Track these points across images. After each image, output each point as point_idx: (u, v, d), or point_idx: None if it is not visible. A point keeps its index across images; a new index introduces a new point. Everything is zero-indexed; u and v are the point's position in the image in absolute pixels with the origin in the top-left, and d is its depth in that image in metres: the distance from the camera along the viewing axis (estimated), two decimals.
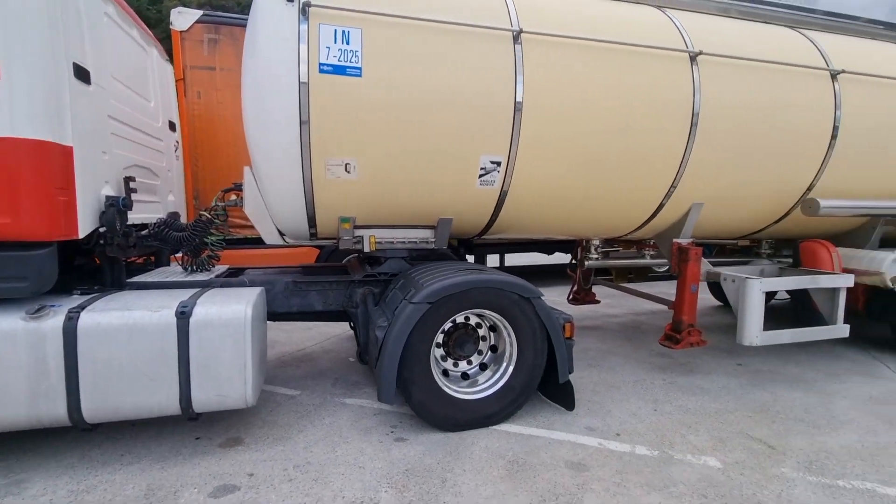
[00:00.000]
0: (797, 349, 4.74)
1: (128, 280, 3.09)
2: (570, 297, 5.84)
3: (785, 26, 4.20)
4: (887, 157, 4.05)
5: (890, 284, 4.01)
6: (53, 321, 2.44)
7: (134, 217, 3.13)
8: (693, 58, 3.49)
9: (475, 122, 3.14)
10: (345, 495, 2.39)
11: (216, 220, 3.39)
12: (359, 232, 3.40)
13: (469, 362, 3.35)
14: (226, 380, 2.66)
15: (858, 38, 4.53)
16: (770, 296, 4.80)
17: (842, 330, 3.93)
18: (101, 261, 2.99)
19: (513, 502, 2.35)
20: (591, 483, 2.50)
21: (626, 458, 2.75)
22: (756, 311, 3.65)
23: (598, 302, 5.88)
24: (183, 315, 2.60)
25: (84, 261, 3.24)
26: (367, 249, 3.15)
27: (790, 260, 4.79)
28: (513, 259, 8.61)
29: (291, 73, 2.76)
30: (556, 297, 5.63)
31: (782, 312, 5.56)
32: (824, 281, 3.91)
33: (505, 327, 3.17)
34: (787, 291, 4.92)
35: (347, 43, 2.81)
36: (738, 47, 3.66)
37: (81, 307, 2.54)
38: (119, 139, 3.14)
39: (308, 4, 2.73)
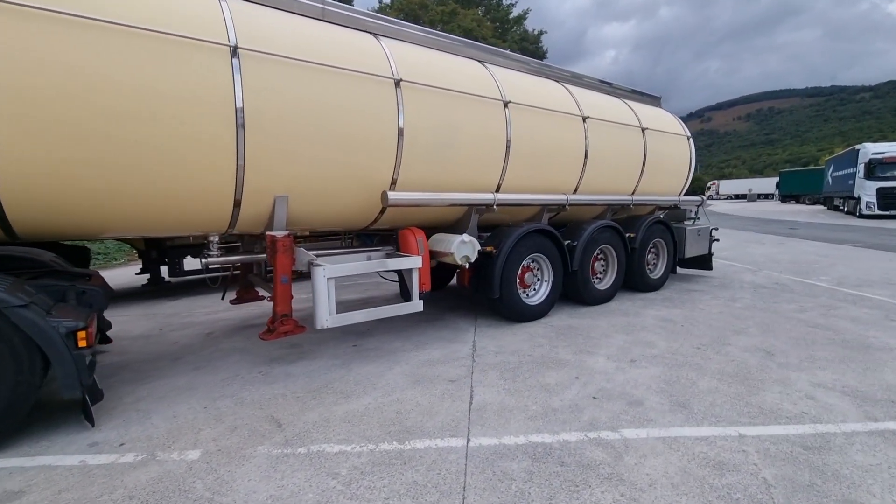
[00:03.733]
0: (422, 323, 5.39)
1: None
2: (234, 297, 5.62)
3: (362, 31, 4.62)
4: (446, 156, 4.79)
5: (459, 262, 4.80)
6: None
7: None
8: (234, 51, 3.50)
9: None
10: None
11: None
12: None
13: None
14: None
15: (445, 52, 5.35)
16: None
17: (416, 305, 4.53)
18: None
19: None
20: None
21: (92, 472, 2.54)
22: (323, 295, 3.90)
23: (262, 299, 5.77)
24: None
25: None
26: None
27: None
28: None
29: None
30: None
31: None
32: (392, 264, 4.47)
33: None
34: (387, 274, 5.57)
35: None
36: (297, 49, 3.83)
37: None
38: None
39: None
